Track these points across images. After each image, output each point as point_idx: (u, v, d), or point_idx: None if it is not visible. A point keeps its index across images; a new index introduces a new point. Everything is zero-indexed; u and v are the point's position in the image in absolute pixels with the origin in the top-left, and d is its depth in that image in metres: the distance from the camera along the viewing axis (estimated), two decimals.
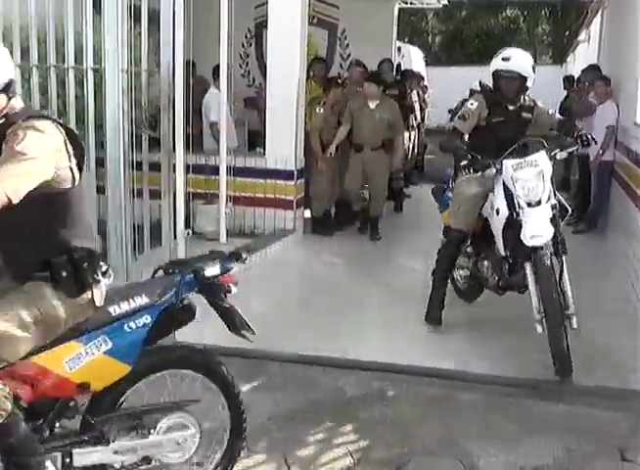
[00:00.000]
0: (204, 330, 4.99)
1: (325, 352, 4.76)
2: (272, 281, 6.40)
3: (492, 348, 4.88)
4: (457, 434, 3.73)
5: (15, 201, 2.17)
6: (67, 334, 2.58)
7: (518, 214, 4.60)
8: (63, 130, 2.46)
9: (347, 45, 12.34)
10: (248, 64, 12.04)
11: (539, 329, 4.53)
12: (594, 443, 3.66)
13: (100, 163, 4.66)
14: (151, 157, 4.75)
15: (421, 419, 3.91)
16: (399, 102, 9.54)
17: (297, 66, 7.53)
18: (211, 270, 2.96)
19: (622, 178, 7.36)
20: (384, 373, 4.46)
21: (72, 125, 4.68)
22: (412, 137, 11.55)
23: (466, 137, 5.21)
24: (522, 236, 4.51)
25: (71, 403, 2.67)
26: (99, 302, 2.61)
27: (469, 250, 5.48)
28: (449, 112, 13.27)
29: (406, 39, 23.90)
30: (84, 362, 2.59)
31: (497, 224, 4.84)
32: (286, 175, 7.59)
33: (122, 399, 2.81)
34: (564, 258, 4.64)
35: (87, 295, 2.56)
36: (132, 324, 2.70)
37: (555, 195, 4.66)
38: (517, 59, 4.97)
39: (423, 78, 14.50)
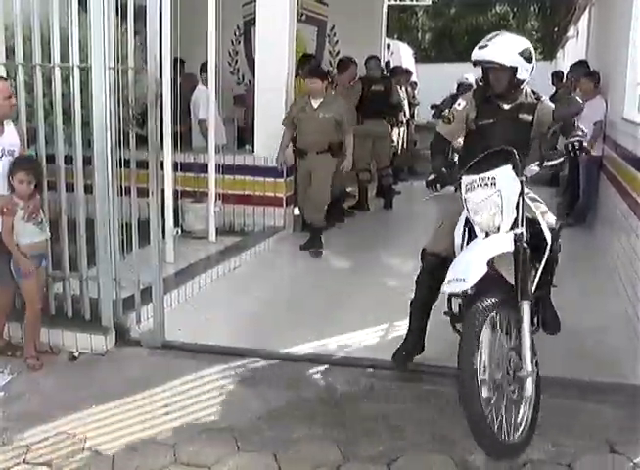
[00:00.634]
0: (195, 330, 5.05)
1: (314, 350, 4.77)
2: (262, 279, 6.40)
3: None
4: (448, 430, 3.74)
5: None
6: None
7: None
8: None
9: (337, 42, 12.36)
10: (237, 61, 12.04)
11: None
12: (583, 437, 3.67)
13: (87, 161, 4.63)
14: (138, 155, 4.72)
15: (411, 415, 3.91)
16: (384, 99, 9.54)
17: (285, 63, 7.52)
18: None
19: (611, 173, 7.38)
20: (373, 370, 4.46)
21: (59, 123, 4.66)
22: (401, 133, 11.57)
23: (458, 143, 4.50)
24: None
25: None
26: None
27: None
28: (432, 107, 13.17)
29: (395, 36, 23.92)
30: None
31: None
32: (275, 173, 7.59)
33: None
34: (525, 304, 3.57)
35: None
36: None
37: (524, 223, 3.69)
38: (496, 45, 4.01)
39: (412, 75, 14.52)
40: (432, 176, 4.01)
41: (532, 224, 3.87)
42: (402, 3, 15.57)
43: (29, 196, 4.41)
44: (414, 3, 17.48)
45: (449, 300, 4.04)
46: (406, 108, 11.80)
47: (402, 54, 18.22)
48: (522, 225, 3.65)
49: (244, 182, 7.63)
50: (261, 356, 4.61)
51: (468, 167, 3.78)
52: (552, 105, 4.22)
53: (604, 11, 10.40)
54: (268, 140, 7.54)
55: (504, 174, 3.66)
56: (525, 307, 3.55)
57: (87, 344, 4.68)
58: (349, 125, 7.26)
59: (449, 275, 3.60)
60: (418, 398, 4.12)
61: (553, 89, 12.43)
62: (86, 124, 4.61)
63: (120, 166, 4.75)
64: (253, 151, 7.74)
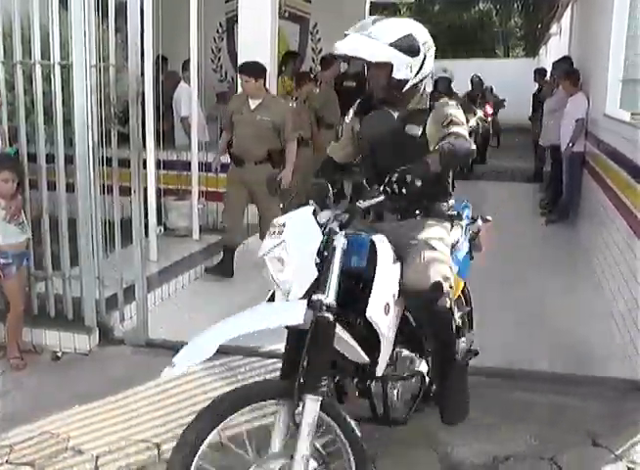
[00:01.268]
0: (179, 328, 5.06)
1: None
2: (245, 276, 6.40)
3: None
4: (431, 423, 3.76)
5: None
6: None
7: None
8: None
9: (319, 40, 12.36)
10: (219, 58, 12.02)
11: None
12: (566, 430, 3.72)
13: (69, 159, 4.63)
14: (120, 153, 4.72)
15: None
16: (355, 95, 9.54)
17: (268, 60, 7.52)
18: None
19: (593, 169, 7.46)
20: None
21: (40, 122, 4.66)
22: None
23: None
24: None
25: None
26: None
27: None
28: None
29: None
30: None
31: None
32: None
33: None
34: (308, 401, 2.58)
35: None
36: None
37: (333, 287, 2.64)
38: (358, 35, 3.04)
39: None
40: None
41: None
42: (385, 0, 15.61)
43: (11, 196, 4.40)
44: (397, 0, 17.50)
45: None
46: None
47: None
48: (330, 289, 2.62)
49: (223, 180, 7.61)
50: (245, 354, 4.61)
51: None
52: (448, 110, 3.09)
53: (586, 8, 10.49)
54: None
55: (297, 219, 2.73)
56: (309, 405, 2.57)
57: (70, 343, 4.68)
58: (292, 132, 6.31)
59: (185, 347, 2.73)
60: None
61: (536, 86, 12.54)
62: (68, 123, 4.60)
63: (103, 165, 4.76)
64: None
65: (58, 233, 4.76)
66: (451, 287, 3.11)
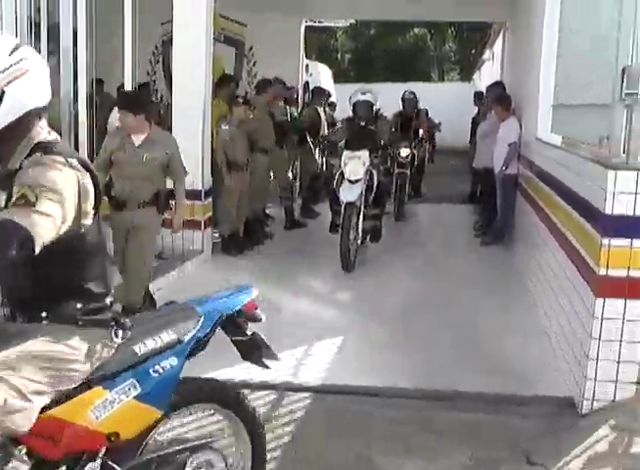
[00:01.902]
0: None
1: (231, 375, 4.79)
2: None
3: (409, 362, 5.05)
4: (371, 449, 3.83)
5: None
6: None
7: None
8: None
9: (255, 63, 12.50)
10: (155, 82, 12.05)
11: None
12: (501, 449, 3.83)
13: None
14: None
15: (334, 437, 3.99)
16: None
17: (202, 84, 7.59)
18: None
19: (526, 191, 7.70)
20: (297, 393, 4.53)
21: None
22: (319, 154, 11.76)
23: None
24: None
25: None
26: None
27: None
28: None
29: (314, 57, 24.25)
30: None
31: None
32: (193, 195, 7.60)
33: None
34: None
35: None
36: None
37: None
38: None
39: (331, 96, 14.73)
40: None
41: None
42: (321, 24, 15.88)
43: None
44: (333, 24, 17.83)
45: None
46: (325, 129, 11.99)
47: (321, 75, 18.53)
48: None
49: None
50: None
51: None
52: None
53: (516, 35, 10.89)
54: (187, 162, 7.55)
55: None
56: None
57: None
58: (182, 170, 5.83)
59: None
60: (341, 418, 4.21)
61: (476, 109, 12.86)
62: None
63: None
64: None
65: None
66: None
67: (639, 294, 4.06)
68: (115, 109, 8.05)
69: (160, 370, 2.54)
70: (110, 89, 8.72)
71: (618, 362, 4.12)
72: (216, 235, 8.31)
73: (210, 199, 7.94)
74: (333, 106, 15.46)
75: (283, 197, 9.96)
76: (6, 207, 2.12)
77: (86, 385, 2.35)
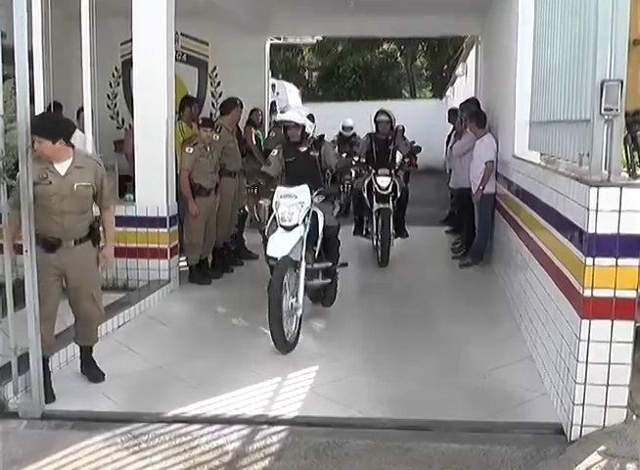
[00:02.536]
0: (78, 396, 4.99)
1: (203, 410, 4.78)
2: (148, 336, 6.37)
3: (384, 392, 5.06)
4: None
5: None
6: None
7: None
8: None
9: (219, 83, 12.54)
10: (116, 104, 12.04)
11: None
12: None
13: None
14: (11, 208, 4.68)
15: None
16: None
17: (164, 106, 7.59)
18: None
19: (505, 210, 7.79)
20: (269, 426, 4.53)
21: None
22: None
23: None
24: None
25: None
26: None
27: None
28: None
29: (280, 76, 24.43)
30: None
31: None
32: (158, 223, 7.60)
33: None
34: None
35: None
36: None
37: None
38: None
39: None
40: None
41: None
42: (286, 42, 16.00)
43: None
44: (298, 41, 17.97)
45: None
46: None
47: (288, 94, 18.65)
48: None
49: (125, 234, 7.56)
50: (148, 420, 4.60)
51: None
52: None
53: (489, 49, 11.05)
54: (150, 188, 7.57)
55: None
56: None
57: None
58: (112, 197, 5.60)
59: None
60: (316, 451, 4.22)
61: (450, 127, 12.97)
62: None
63: None
64: (135, 200, 7.72)
65: None
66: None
67: (626, 314, 4.12)
68: (76, 133, 8.04)
69: None
70: (68, 113, 8.68)
71: (607, 386, 4.17)
72: (183, 264, 8.28)
73: (176, 226, 7.93)
74: None
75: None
76: None
77: None
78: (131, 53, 7.74)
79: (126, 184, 8.56)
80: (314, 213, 6.50)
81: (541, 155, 6.33)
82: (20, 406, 4.73)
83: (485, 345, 5.98)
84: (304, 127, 6.82)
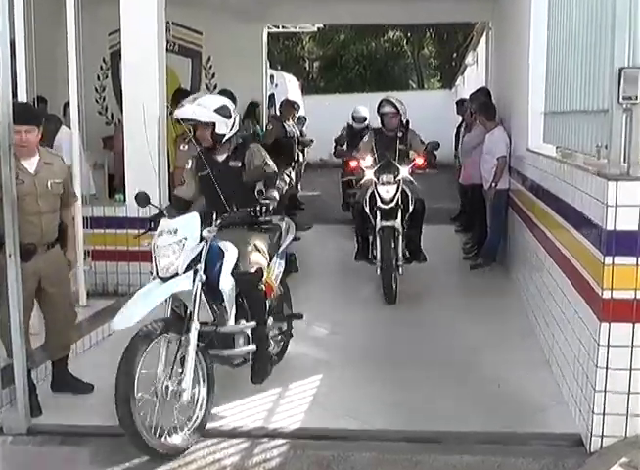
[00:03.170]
0: (66, 408, 4.98)
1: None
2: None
3: (392, 402, 5.05)
4: None
5: None
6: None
7: None
8: None
9: (214, 75, 12.52)
10: (104, 98, 12.02)
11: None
12: None
13: None
14: None
15: None
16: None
17: (155, 100, 7.57)
18: None
19: (519, 207, 7.76)
20: (269, 440, 4.52)
21: None
22: (291, 173, 11.77)
23: None
24: None
25: None
26: None
27: None
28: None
29: (279, 66, 24.42)
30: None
31: None
32: (150, 224, 7.57)
33: None
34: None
35: None
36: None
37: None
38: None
39: (299, 109, 14.76)
40: None
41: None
42: (285, 30, 15.99)
43: None
44: (298, 30, 17.96)
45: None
46: (296, 146, 12.01)
47: (288, 86, 18.65)
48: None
49: (116, 236, 7.57)
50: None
51: None
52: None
53: (501, 35, 11.03)
54: (141, 187, 7.53)
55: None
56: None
57: None
58: (74, 195, 5.61)
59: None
60: (319, 465, 4.22)
61: (459, 119, 12.95)
62: None
63: None
64: (125, 200, 7.71)
65: None
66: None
67: None
68: (62, 129, 8.04)
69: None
70: (53, 109, 8.68)
71: (629, 393, 4.15)
72: None
73: None
74: (302, 120, 15.54)
75: None
76: None
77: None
78: (120, 43, 7.72)
79: (115, 183, 8.57)
80: (221, 252, 4.91)
81: (557, 148, 6.32)
82: (3, 421, 4.73)
83: (499, 351, 5.96)
84: (215, 125, 5.24)
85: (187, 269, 4.57)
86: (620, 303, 4.08)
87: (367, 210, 7.87)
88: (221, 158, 5.46)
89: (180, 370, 4.41)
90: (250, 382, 5.23)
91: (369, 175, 7.91)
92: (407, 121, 8.49)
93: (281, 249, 5.65)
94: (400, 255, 7.78)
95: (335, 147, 12.64)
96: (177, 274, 4.54)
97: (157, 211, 5.23)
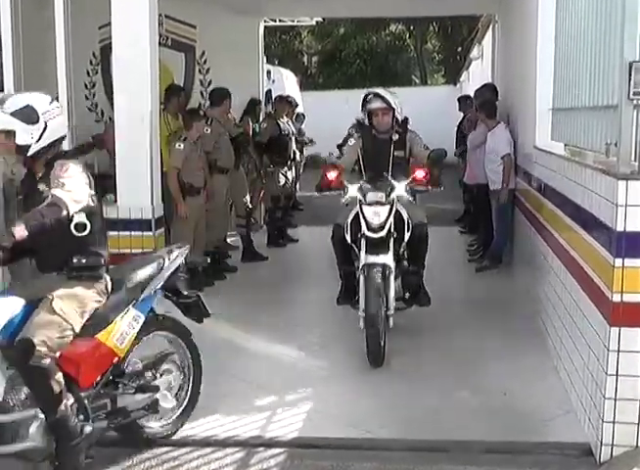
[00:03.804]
0: None
1: (192, 431, 4.79)
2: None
3: (394, 408, 5.07)
4: None
5: None
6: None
7: None
8: None
9: (208, 70, 12.52)
10: (94, 95, 11.98)
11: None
12: None
13: None
14: None
15: None
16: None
17: (148, 96, 7.56)
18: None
19: (526, 207, 7.77)
20: (266, 449, 4.54)
21: None
22: (287, 173, 11.78)
23: None
24: None
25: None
26: None
27: None
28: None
29: (277, 61, 24.44)
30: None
31: None
32: (142, 226, 7.56)
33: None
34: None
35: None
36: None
37: None
38: None
39: (297, 106, 14.77)
40: None
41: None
42: (282, 24, 16.01)
43: None
44: (296, 23, 17.98)
45: None
46: (292, 143, 12.02)
47: (285, 81, 18.67)
48: None
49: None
50: (132, 444, 4.61)
51: None
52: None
53: (507, 29, 11.04)
54: (132, 187, 7.55)
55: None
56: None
57: None
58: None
59: None
60: None
61: (461, 116, 12.95)
62: None
63: None
64: (116, 201, 7.70)
65: None
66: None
67: None
68: None
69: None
70: None
71: None
72: None
73: (162, 229, 7.91)
74: (301, 118, 15.54)
75: (238, 224, 9.98)
76: None
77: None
78: (111, 37, 7.72)
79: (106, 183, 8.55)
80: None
81: (565, 145, 6.33)
82: None
83: (505, 357, 5.97)
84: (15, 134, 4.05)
85: None
86: (631, 306, 4.09)
87: (348, 238, 6.31)
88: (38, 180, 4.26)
89: None
90: (246, 391, 5.26)
91: (352, 192, 6.29)
92: (405, 120, 6.81)
93: (143, 295, 4.58)
94: (392, 299, 6.10)
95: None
96: None
97: None
